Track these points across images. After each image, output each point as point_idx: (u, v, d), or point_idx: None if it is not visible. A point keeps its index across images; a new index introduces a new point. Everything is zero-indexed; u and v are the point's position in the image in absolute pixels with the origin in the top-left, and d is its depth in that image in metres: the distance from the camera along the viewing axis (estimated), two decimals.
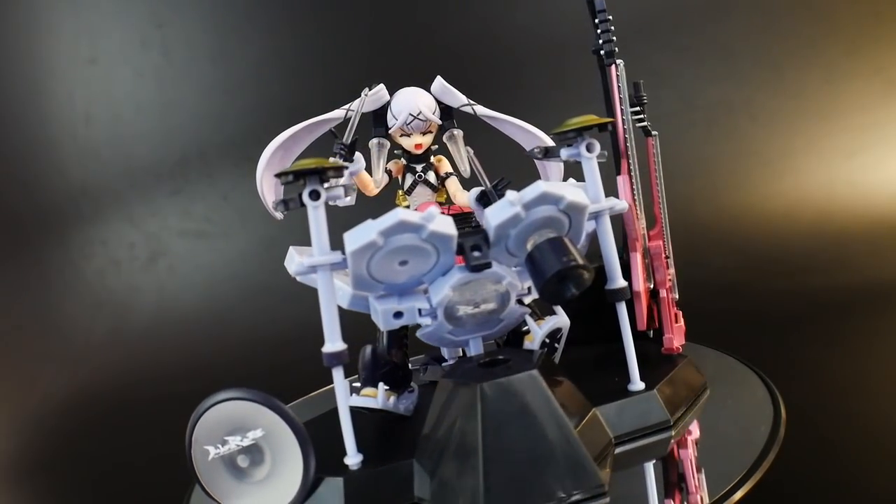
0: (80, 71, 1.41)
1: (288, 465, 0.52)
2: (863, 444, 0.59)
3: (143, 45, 1.41)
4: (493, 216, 0.51)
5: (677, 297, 0.68)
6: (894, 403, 0.66)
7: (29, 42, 1.40)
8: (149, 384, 1.11)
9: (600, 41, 0.63)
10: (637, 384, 0.58)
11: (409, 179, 0.66)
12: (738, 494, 0.47)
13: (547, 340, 0.63)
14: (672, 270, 0.67)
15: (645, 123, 0.67)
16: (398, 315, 0.54)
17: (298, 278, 0.56)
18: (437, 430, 0.51)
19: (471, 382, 0.49)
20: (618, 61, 0.64)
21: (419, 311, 0.54)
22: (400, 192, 0.67)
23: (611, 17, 0.62)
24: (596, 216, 0.56)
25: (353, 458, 0.53)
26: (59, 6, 1.41)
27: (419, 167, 0.66)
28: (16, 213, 1.38)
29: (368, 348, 0.62)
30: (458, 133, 0.66)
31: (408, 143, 0.65)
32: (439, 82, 0.65)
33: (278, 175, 0.51)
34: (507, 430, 0.48)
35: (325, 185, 0.51)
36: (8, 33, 1.41)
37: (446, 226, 0.50)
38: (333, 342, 0.51)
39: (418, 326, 0.56)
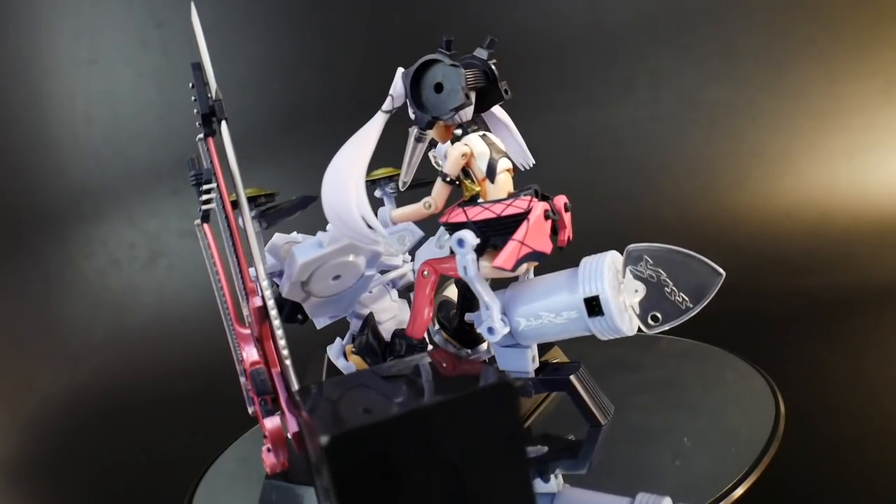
0: (80, 71, 1.41)
1: None
2: (863, 444, 0.59)
3: (143, 45, 1.41)
4: None
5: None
6: (894, 403, 0.66)
7: (29, 42, 1.40)
8: (149, 384, 1.11)
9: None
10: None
11: None
12: (739, 492, 0.47)
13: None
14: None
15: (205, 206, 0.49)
16: None
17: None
18: None
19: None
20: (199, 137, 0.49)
21: None
22: None
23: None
24: None
25: None
26: (59, 6, 1.41)
27: None
28: (16, 213, 1.38)
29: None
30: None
31: None
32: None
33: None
34: None
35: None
36: (8, 33, 1.41)
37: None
38: None
39: None
